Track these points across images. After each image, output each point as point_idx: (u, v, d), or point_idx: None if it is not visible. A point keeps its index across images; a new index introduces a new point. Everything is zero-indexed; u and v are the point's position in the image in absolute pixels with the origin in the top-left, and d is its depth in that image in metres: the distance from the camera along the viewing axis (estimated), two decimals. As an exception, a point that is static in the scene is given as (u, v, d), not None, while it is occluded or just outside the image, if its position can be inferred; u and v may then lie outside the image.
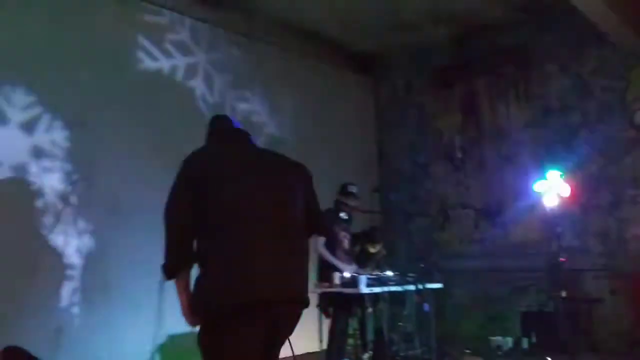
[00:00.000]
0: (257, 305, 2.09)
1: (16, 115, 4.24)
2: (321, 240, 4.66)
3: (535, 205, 5.58)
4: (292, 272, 2.21)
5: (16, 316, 3.98)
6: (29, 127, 4.30)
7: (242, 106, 5.83)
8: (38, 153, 4.33)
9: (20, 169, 4.25)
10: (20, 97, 4.26)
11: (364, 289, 4.33)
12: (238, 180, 2.22)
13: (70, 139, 4.51)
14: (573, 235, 5.62)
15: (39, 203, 4.32)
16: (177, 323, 4.76)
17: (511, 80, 6.28)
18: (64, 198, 4.43)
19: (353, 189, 4.89)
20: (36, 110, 4.34)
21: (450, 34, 6.40)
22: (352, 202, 4.85)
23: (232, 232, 2.13)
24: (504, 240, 6.11)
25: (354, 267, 4.69)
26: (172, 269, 2.17)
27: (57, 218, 4.38)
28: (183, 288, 2.18)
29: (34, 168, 4.30)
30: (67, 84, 4.50)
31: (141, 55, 5.04)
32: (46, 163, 4.38)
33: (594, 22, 5.05)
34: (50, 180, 4.38)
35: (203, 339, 2.13)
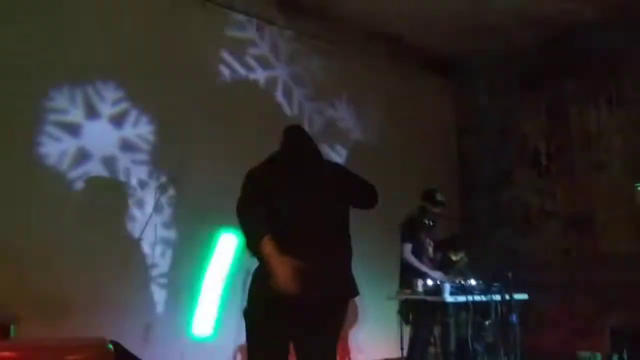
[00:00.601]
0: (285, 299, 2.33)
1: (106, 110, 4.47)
2: (408, 247, 4.63)
3: (629, 215, 5.30)
4: (321, 271, 2.42)
5: (108, 314, 4.16)
6: (118, 121, 4.54)
7: (328, 113, 5.86)
8: (126, 147, 4.55)
9: (110, 164, 4.47)
10: (110, 93, 4.48)
11: (448, 298, 4.25)
12: (284, 195, 2.53)
13: (157, 140, 4.67)
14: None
15: (130, 206, 4.50)
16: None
17: (602, 84, 5.99)
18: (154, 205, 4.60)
19: (438, 195, 4.82)
20: (124, 106, 4.56)
21: (537, 36, 6.19)
22: (437, 209, 4.78)
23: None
24: (593, 251, 5.83)
25: (441, 274, 4.61)
26: (257, 238, 2.37)
27: (146, 221, 4.55)
28: (271, 250, 2.34)
29: (122, 164, 4.51)
30: (155, 87, 4.67)
31: (223, 68, 5.18)
32: (136, 156, 4.57)
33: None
34: (140, 186, 4.56)
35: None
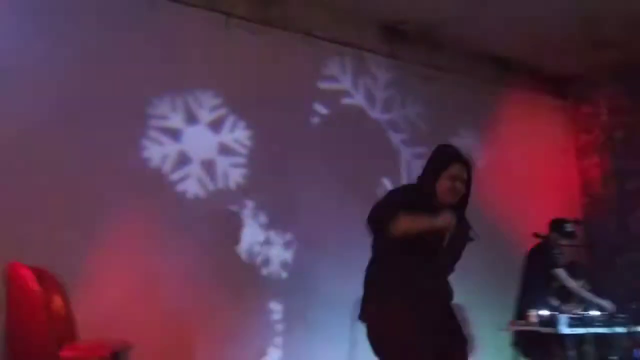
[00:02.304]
0: None
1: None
2: (562, 272, 4.57)
3: None
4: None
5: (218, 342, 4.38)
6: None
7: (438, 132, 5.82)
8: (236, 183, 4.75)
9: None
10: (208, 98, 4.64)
11: (564, 329, 4.06)
12: None
13: (270, 177, 4.87)
14: None
15: (241, 233, 4.73)
16: (368, 358, 4.92)
17: None
18: (266, 237, 4.81)
19: (568, 227, 4.68)
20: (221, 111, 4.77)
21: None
22: (564, 241, 4.64)
23: None
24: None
25: (610, 302, 4.45)
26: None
27: (259, 252, 4.79)
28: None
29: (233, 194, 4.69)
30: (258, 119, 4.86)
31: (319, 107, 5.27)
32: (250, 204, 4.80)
33: None
34: (252, 218, 4.80)
35: None
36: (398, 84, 5.64)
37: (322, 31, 5.21)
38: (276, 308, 4.71)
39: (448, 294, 2.82)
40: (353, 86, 5.41)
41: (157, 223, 4.27)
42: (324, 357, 4.72)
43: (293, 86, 5.03)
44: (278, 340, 4.66)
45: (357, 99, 5.43)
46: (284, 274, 4.81)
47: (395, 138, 5.59)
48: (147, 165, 4.31)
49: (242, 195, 4.70)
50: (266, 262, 4.76)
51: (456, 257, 2.84)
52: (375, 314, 2.70)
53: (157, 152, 4.36)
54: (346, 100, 5.36)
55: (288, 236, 4.86)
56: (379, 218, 2.64)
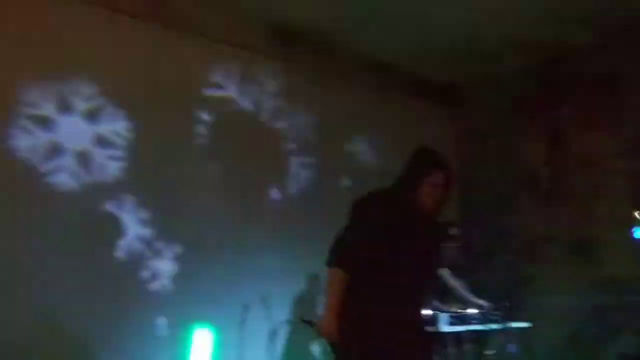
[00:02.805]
0: None
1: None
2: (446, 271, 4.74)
3: (632, 239, 5.22)
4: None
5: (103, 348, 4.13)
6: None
7: (326, 140, 5.84)
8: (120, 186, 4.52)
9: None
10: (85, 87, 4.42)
11: (445, 328, 4.19)
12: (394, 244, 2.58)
13: (152, 171, 4.66)
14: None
15: (122, 236, 4.50)
16: (256, 356, 4.84)
17: (601, 107, 5.97)
18: (146, 239, 4.58)
19: (453, 231, 4.83)
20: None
21: (532, 62, 6.20)
22: (451, 244, 4.79)
23: None
24: (598, 276, 5.74)
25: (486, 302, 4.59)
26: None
27: (142, 254, 4.54)
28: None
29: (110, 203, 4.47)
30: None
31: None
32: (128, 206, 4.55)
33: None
34: (131, 216, 4.55)
35: None
36: (288, 90, 5.62)
37: (212, 32, 5.10)
38: (161, 311, 4.52)
39: (419, 337, 2.66)
40: (240, 90, 5.31)
41: (24, 218, 3.95)
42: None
43: (180, 85, 4.89)
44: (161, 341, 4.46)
45: (245, 104, 5.34)
46: (167, 281, 4.62)
47: (284, 146, 5.55)
48: (15, 155, 4.00)
49: (121, 190, 4.44)
50: (148, 263, 4.55)
51: (432, 274, 2.84)
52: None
53: (27, 141, 4.05)
54: (234, 105, 5.27)
55: (170, 238, 4.67)
56: (330, 257, 2.64)
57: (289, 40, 5.57)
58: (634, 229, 4.64)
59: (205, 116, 5.03)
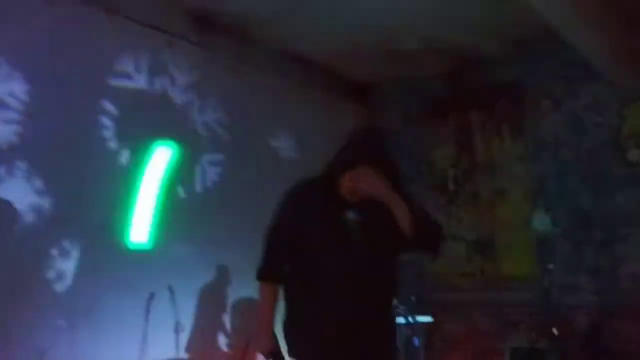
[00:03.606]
0: None
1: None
2: None
3: (528, 239, 5.54)
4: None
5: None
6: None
7: (241, 130, 5.78)
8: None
9: None
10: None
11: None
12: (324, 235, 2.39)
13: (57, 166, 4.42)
14: (565, 271, 5.57)
15: (23, 223, 4.24)
16: (161, 348, 4.71)
17: (505, 113, 6.30)
18: (52, 218, 4.34)
19: None
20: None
21: (445, 66, 6.44)
22: None
23: None
24: (495, 274, 6.05)
25: None
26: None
27: (45, 236, 4.29)
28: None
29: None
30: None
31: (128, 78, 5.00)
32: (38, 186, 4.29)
33: (588, 59, 5.10)
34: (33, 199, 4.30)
35: None
36: (205, 78, 5.48)
37: (129, 11, 4.87)
38: (59, 302, 4.27)
39: (377, 333, 2.35)
40: (152, 76, 5.10)
41: None
42: (113, 347, 4.41)
43: (87, 62, 4.62)
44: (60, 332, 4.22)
45: (157, 90, 5.14)
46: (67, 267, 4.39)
47: (196, 139, 5.43)
48: None
49: (14, 156, 4.11)
50: (46, 247, 4.29)
51: (381, 261, 2.36)
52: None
53: None
54: (145, 90, 5.05)
55: (70, 220, 4.41)
56: (257, 268, 2.44)
57: (208, 28, 5.46)
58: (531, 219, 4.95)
59: (111, 103, 4.77)
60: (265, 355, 2.36)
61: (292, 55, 6.22)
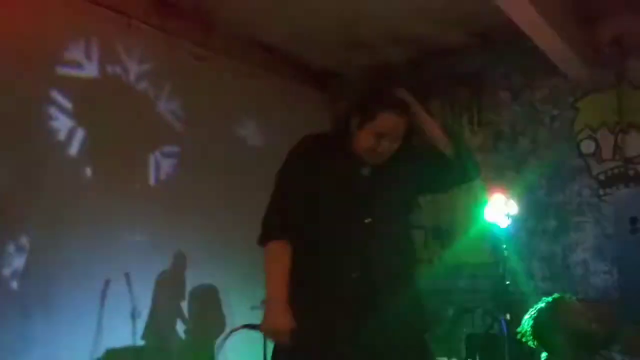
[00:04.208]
0: None
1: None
2: None
3: (483, 228, 5.64)
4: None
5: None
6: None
7: (202, 118, 5.69)
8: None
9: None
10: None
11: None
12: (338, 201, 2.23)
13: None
14: (519, 258, 5.71)
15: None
16: (117, 335, 4.66)
17: (465, 104, 6.39)
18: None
19: None
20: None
21: (406, 56, 6.48)
22: None
23: None
24: (453, 261, 6.16)
25: None
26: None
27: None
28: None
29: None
30: None
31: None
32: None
33: (545, 52, 5.20)
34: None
35: None
36: (166, 64, 5.37)
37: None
38: (11, 291, 4.17)
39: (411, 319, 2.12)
40: (107, 61, 4.95)
41: None
42: (68, 342, 4.33)
43: (37, 41, 4.45)
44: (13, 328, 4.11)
45: (114, 75, 5.01)
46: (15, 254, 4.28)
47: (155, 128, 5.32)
48: None
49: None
50: None
51: (399, 223, 2.17)
52: None
53: None
54: (100, 74, 4.89)
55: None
56: (263, 231, 2.18)
57: (169, 11, 5.36)
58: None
59: (61, 92, 4.61)
60: (283, 337, 1.97)
61: (254, 41, 6.17)
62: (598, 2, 5.37)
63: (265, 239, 2.14)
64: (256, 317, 4.81)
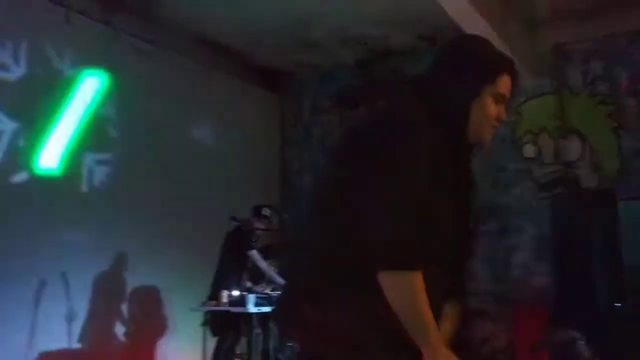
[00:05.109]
0: None
1: None
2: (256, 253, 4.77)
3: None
4: None
5: None
6: None
7: (147, 115, 5.55)
8: None
9: None
10: None
11: (252, 309, 4.25)
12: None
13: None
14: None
15: None
16: (52, 338, 4.50)
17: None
18: None
19: (266, 212, 4.93)
20: None
21: (357, 57, 6.49)
22: (265, 225, 4.89)
23: None
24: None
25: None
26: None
27: None
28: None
29: None
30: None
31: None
32: None
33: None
34: None
35: None
36: (108, 59, 5.20)
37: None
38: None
39: None
40: (42, 56, 4.78)
41: None
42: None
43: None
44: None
45: (51, 71, 4.84)
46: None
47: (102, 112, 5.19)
48: None
49: None
50: None
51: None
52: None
53: None
54: (32, 72, 4.70)
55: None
56: (407, 255, 1.45)
57: (111, 4, 5.21)
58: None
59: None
60: None
61: (204, 39, 6.08)
62: (541, 11, 5.50)
63: (408, 267, 1.47)
64: (198, 319, 4.77)
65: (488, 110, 1.62)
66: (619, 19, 5.34)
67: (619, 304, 4.53)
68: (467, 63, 1.62)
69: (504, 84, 1.63)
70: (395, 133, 1.53)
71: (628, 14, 5.28)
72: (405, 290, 1.46)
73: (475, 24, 4.74)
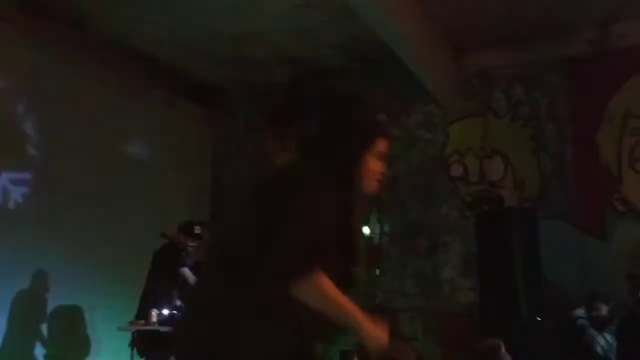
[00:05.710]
0: None
1: None
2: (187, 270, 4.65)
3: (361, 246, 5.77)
4: None
5: None
6: None
7: (72, 127, 5.34)
8: None
9: None
10: None
11: (183, 327, 4.15)
12: None
13: None
14: (393, 276, 5.90)
15: None
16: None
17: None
18: None
19: (197, 229, 4.84)
20: None
21: (290, 75, 6.54)
22: (196, 243, 4.79)
23: None
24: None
25: None
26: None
27: None
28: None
29: None
30: None
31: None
32: None
33: (420, 79, 5.47)
34: None
35: None
36: (32, 71, 5.03)
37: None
38: None
39: None
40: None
41: None
42: None
43: None
44: None
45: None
46: None
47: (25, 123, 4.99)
48: None
49: None
50: None
51: None
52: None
53: None
54: None
55: None
56: (301, 261, 1.64)
57: (37, 13, 5.03)
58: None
59: None
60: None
61: (134, 51, 5.95)
62: (467, 37, 5.74)
63: (306, 271, 1.66)
64: (124, 338, 4.60)
65: (371, 168, 1.92)
66: (540, 46, 5.65)
67: (539, 317, 4.74)
68: (351, 133, 1.91)
69: (382, 144, 1.93)
70: (297, 186, 1.77)
71: (548, 42, 5.60)
72: (316, 290, 1.66)
73: (407, 49, 4.92)
